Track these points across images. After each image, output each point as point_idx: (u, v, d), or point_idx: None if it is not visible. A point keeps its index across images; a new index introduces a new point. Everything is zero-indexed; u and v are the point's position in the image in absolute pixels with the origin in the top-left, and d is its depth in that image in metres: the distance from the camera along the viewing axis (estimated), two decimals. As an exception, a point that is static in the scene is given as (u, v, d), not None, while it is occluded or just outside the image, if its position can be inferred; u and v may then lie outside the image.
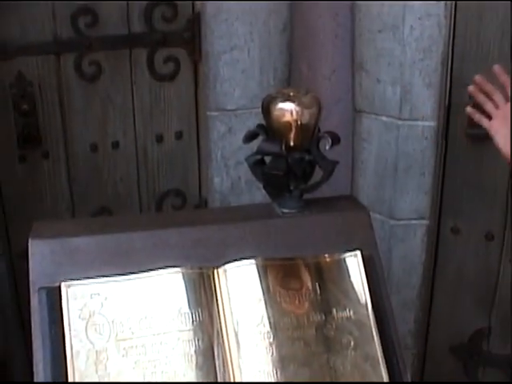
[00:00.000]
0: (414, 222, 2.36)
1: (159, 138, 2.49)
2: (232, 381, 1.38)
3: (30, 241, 1.47)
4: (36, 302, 1.42)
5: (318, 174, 1.60)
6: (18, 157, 2.35)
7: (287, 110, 1.52)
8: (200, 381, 1.37)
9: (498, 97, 1.71)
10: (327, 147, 1.55)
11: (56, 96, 2.34)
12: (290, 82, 2.44)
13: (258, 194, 2.33)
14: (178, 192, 2.56)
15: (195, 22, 2.39)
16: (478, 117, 1.74)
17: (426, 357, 2.64)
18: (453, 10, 2.16)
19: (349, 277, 1.51)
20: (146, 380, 1.36)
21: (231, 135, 2.40)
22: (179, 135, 2.51)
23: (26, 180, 2.38)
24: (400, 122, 2.26)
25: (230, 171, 2.44)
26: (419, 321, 2.54)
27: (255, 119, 2.20)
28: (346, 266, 1.52)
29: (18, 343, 2.34)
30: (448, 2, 2.14)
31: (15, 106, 2.29)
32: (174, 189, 2.55)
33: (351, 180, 2.43)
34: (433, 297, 2.53)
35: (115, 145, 2.44)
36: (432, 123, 2.26)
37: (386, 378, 1.45)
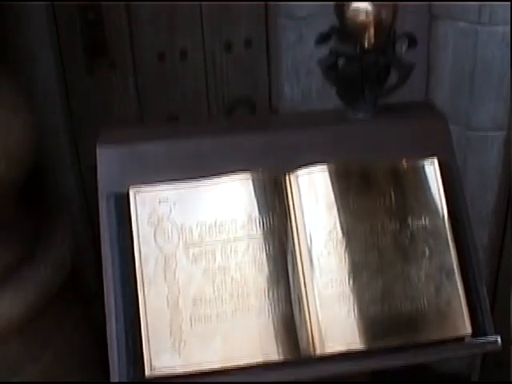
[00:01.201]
0: (491, 133, 2.27)
1: (228, 46, 2.42)
2: (304, 289, 1.35)
3: (97, 147, 1.45)
4: (104, 208, 1.41)
5: (393, 78, 1.53)
6: (85, 68, 2.33)
7: (361, 9, 1.44)
8: (270, 288, 1.34)
9: None
10: (404, 49, 1.47)
11: (122, 5, 2.29)
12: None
13: (330, 104, 2.24)
14: (247, 101, 2.51)
15: None
16: None
17: (499, 275, 2.58)
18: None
19: (425, 184, 1.45)
20: (216, 287, 1.34)
21: (302, 43, 2.31)
22: (249, 43, 2.44)
23: (93, 91, 2.36)
24: (479, 27, 2.15)
25: (300, 80, 2.36)
26: (493, 237, 2.47)
27: (327, 28, 2.12)
28: (423, 173, 1.46)
29: (89, 253, 2.36)
30: None
31: (81, 16, 2.25)
32: (243, 98, 2.50)
33: (426, 88, 2.34)
34: (508, 212, 2.45)
35: (183, 53, 2.39)
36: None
37: (461, 290, 1.41)
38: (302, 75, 2.37)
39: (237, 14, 2.39)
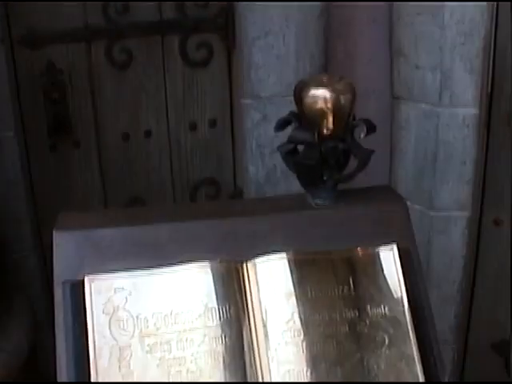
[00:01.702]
0: (454, 213, 2.28)
1: (193, 126, 2.44)
2: (260, 381, 1.32)
3: (54, 232, 1.43)
4: (60, 296, 1.38)
5: (353, 163, 1.53)
6: (49, 146, 2.33)
7: (320, 96, 1.45)
8: (227, 379, 1.31)
9: None
10: (362, 136, 1.48)
11: (87, 84, 2.30)
12: (327, 69, 2.37)
13: (295, 184, 2.24)
14: (212, 181, 2.51)
15: (228, 8, 2.33)
16: None
17: (467, 353, 2.56)
18: (496, -7, 2.08)
19: (384, 271, 1.44)
20: (171, 379, 1.31)
21: (266, 123, 2.33)
22: (213, 123, 2.46)
23: (56, 169, 2.35)
24: (440, 110, 2.18)
25: (265, 160, 2.38)
26: (460, 316, 2.46)
27: (291, 106, 2.13)
28: (381, 260, 1.44)
29: (47, 337, 2.31)
30: (491, -16, 2.06)
31: (45, 95, 2.26)
32: (208, 178, 2.50)
33: (390, 169, 2.36)
34: (474, 291, 2.45)
35: (148, 133, 2.40)
36: (473, 111, 2.17)
37: (421, 378, 1.38)
38: (266, 155, 2.38)
39: (201, 93, 2.41)
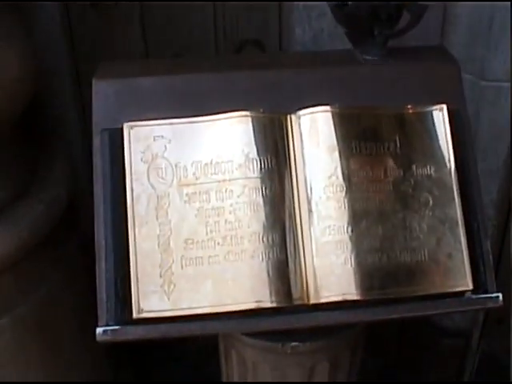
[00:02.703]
0: (506, 84, 2.19)
1: (236, -14, 2.34)
2: (300, 235, 1.30)
3: (93, 81, 1.40)
4: (98, 144, 1.36)
5: (405, 20, 1.46)
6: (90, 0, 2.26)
7: None
8: (265, 232, 1.29)
9: None
10: (417, -11, 1.41)
11: None
12: None
13: (341, 47, 2.19)
14: (257, 42, 2.43)
15: None
16: None
17: (507, 229, 2.52)
18: None
19: (432, 132, 1.39)
20: (209, 229, 1.29)
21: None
22: (258, -17, 2.36)
23: (97, 25, 2.29)
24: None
25: (312, 22, 2.29)
26: (503, 191, 2.41)
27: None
28: (430, 120, 1.39)
29: (87, 191, 2.31)
30: None
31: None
32: (252, 39, 2.42)
33: (441, 35, 2.26)
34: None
35: (191, -11, 2.31)
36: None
37: (464, 243, 1.35)
38: (313, 17, 2.29)
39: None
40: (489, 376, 2.53)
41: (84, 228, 2.24)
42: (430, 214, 1.34)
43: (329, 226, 1.30)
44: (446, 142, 1.38)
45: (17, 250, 1.72)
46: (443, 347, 2.53)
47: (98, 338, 1.27)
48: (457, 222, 1.35)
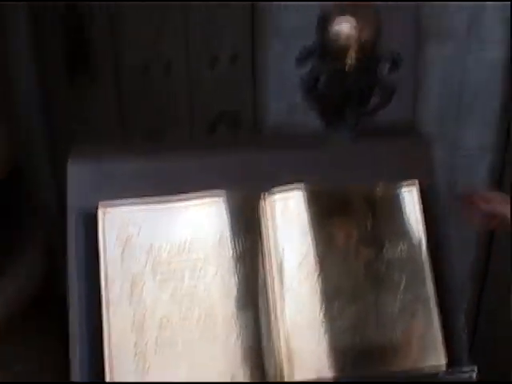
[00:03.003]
0: (478, 154, 2.24)
1: (214, 60, 2.38)
2: (273, 315, 1.31)
3: (68, 164, 1.41)
4: (73, 227, 1.37)
5: (376, 99, 1.49)
6: (66, 78, 2.29)
7: (345, 26, 1.40)
8: (239, 313, 1.29)
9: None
10: (387, 69, 1.43)
11: (106, 16, 2.25)
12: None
13: (316, 119, 2.23)
14: (231, 116, 2.47)
15: None
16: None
17: (481, 298, 2.54)
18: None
19: (404, 210, 1.41)
20: (183, 310, 1.29)
21: (288, 58, 2.27)
22: (234, 57, 2.40)
23: (74, 102, 2.32)
24: (467, 49, 2.12)
25: (286, 96, 2.33)
26: (479, 259, 2.43)
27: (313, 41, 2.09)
28: (402, 199, 1.41)
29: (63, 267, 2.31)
30: None
31: (64, 26, 2.21)
32: (227, 113, 2.46)
33: (413, 109, 2.31)
34: (493, 236, 2.42)
35: (167, 66, 2.35)
36: (502, 49, 2.11)
37: (437, 321, 1.36)
38: (287, 90, 2.33)
39: (222, 26, 2.35)
40: None
41: (60, 302, 2.25)
42: (403, 293, 1.35)
43: (302, 307, 1.30)
44: (418, 220, 1.40)
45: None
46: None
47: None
48: (430, 301, 1.36)
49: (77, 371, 1.29)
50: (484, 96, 2.16)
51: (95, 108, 2.33)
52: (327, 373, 1.29)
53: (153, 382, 1.28)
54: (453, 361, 1.36)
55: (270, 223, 1.35)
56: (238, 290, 1.30)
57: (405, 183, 1.42)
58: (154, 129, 2.38)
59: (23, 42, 2.13)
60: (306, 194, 1.36)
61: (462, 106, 2.19)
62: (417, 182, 1.42)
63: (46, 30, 2.22)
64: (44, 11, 2.19)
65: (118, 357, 1.27)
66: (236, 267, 1.31)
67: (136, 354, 1.27)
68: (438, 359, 1.35)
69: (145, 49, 2.31)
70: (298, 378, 1.29)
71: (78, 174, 1.40)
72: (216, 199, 1.34)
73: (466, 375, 1.37)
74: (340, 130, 1.50)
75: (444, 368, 1.35)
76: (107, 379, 1.26)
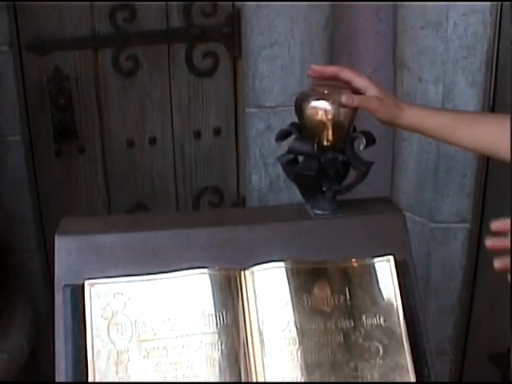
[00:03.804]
0: (455, 225, 2.30)
1: (197, 134, 2.46)
2: (255, 387, 1.35)
3: (56, 236, 1.45)
4: (60, 300, 1.40)
5: (352, 173, 1.55)
6: (54, 151, 2.35)
7: (321, 108, 1.46)
8: (222, 386, 1.33)
9: None
10: (361, 148, 1.50)
11: (93, 91, 2.33)
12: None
13: (297, 193, 2.27)
14: (215, 189, 2.53)
15: (235, 17, 2.35)
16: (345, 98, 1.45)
17: (465, 364, 2.57)
18: (499, 7, 2.09)
19: (380, 282, 1.46)
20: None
21: (270, 132, 2.35)
22: (217, 131, 2.48)
23: (61, 175, 2.38)
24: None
25: (268, 169, 2.40)
26: (458, 327, 2.47)
27: (295, 117, 2.15)
28: (378, 271, 1.46)
29: (48, 338, 2.33)
30: (494, -1, 2.08)
31: (52, 101, 2.28)
32: (211, 186, 2.52)
33: (391, 181, 2.38)
34: (473, 302, 2.46)
35: (152, 140, 2.42)
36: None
37: (415, 388, 1.40)
38: (269, 164, 2.40)
39: (206, 102, 2.43)
40: None
41: (46, 374, 2.26)
42: (381, 362, 1.39)
43: (283, 379, 1.34)
44: (394, 291, 1.45)
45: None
46: None
47: None
48: (407, 369, 1.40)
49: None
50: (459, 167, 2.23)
51: (82, 180, 2.38)
52: None
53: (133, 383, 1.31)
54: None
55: (251, 297, 1.39)
56: (220, 364, 1.33)
57: (381, 257, 1.46)
58: (138, 202, 2.44)
59: (14, 113, 2.18)
60: (286, 268, 1.41)
61: (439, 177, 2.25)
62: (393, 255, 1.47)
63: (35, 106, 2.28)
64: (34, 88, 2.26)
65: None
66: (218, 342, 1.35)
67: (123, 427, 1.30)
68: (415, 428, 1.38)
69: (131, 123, 2.37)
70: None
71: (65, 246, 1.43)
72: (200, 274, 1.39)
73: None
74: (319, 204, 1.55)
75: None
76: None
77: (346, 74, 1.50)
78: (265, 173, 2.41)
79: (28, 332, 1.97)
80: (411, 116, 1.49)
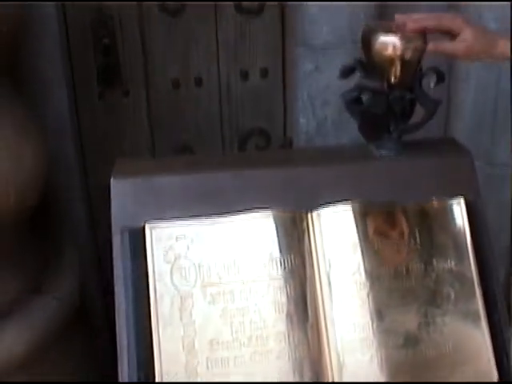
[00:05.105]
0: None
1: (244, 75, 2.39)
2: (325, 333, 1.30)
3: (112, 180, 1.39)
4: (118, 244, 1.36)
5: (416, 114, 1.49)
6: (98, 94, 2.29)
7: (390, 43, 1.39)
8: (291, 331, 1.28)
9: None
10: (432, 85, 1.43)
11: (137, 31, 2.26)
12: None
13: (345, 136, 2.22)
14: (261, 131, 2.46)
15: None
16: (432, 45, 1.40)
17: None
18: None
19: (451, 225, 1.40)
20: (234, 329, 1.28)
21: (318, 73, 2.27)
22: (264, 72, 2.41)
23: (105, 118, 2.32)
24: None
25: (316, 111, 2.32)
26: (504, 277, 2.41)
27: (344, 57, 2.08)
28: (449, 214, 1.40)
29: (96, 287, 2.31)
30: None
31: (95, 42, 2.22)
32: (257, 128, 2.46)
33: (445, 122, 2.30)
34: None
35: (198, 82, 2.35)
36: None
37: (487, 335, 1.35)
38: (317, 106, 2.32)
39: (253, 42, 2.36)
40: None
41: (92, 321, 2.25)
42: (452, 308, 1.35)
43: (353, 324, 1.30)
44: (465, 235, 1.39)
45: (30, 348, 1.70)
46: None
47: None
48: (479, 315, 1.35)
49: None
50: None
51: (126, 123, 2.33)
52: (378, 389, 1.28)
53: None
54: (501, 375, 1.35)
55: (318, 240, 1.34)
56: (288, 309, 1.29)
57: (452, 199, 1.40)
58: (184, 144, 2.38)
59: (57, 58, 2.12)
60: (353, 210, 1.36)
61: (497, 118, 2.17)
62: (463, 197, 1.41)
63: (79, 47, 2.22)
64: (77, 29, 2.20)
65: (169, 378, 1.26)
66: (286, 286, 1.30)
67: (187, 375, 1.26)
68: (489, 374, 1.33)
69: (176, 64, 2.31)
70: (350, 396, 1.28)
71: (122, 189, 1.39)
72: (264, 216, 1.34)
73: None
74: (384, 145, 1.49)
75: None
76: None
77: (446, 23, 1.41)
78: (312, 115, 2.33)
79: (77, 280, 1.94)
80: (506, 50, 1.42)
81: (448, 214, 1.40)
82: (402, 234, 1.37)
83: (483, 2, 2.09)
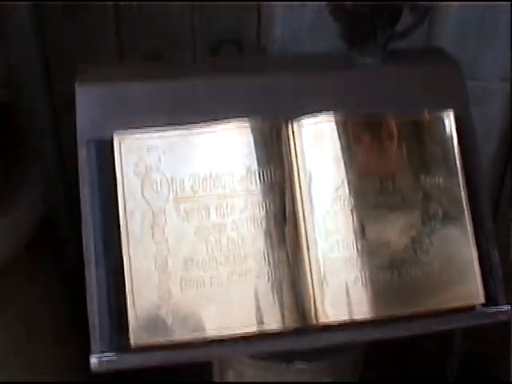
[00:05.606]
0: (496, 83, 2.14)
1: (215, -19, 2.25)
2: (306, 251, 1.22)
3: (76, 86, 1.28)
4: (84, 156, 1.25)
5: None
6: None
7: None
8: (270, 250, 1.21)
9: None
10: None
11: None
12: None
13: (322, 45, 2.11)
14: (234, 38, 2.34)
15: None
16: None
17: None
18: None
19: (439, 139, 1.32)
20: (209, 247, 1.20)
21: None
22: (236, -23, 2.27)
23: (69, 21, 2.19)
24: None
25: (292, 17, 2.21)
26: (491, 190, 2.36)
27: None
28: (437, 127, 1.32)
29: (62, 200, 2.21)
30: None
31: None
32: (230, 34, 2.34)
33: (427, 31, 2.19)
34: (506, 167, 2.34)
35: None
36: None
37: (475, 256, 1.29)
38: (293, 11, 2.21)
39: None
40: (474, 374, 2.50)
41: (57, 234, 2.17)
42: (440, 226, 1.27)
43: (337, 241, 1.22)
44: (454, 149, 1.31)
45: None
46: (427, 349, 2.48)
47: (93, 368, 1.17)
48: (467, 235, 1.29)
49: (95, 316, 1.20)
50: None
51: (91, 29, 2.20)
52: (364, 312, 1.22)
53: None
54: (489, 298, 1.30)
55: (299, 152, 1.25)
56: (268, 225, 1.21)
57: (442, 110, 1.32)
58: (154, 52, 2.26)
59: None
60: (337, 121, 1.26)
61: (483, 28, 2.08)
62: (452, 110, 1.32)
63: None
64: None
65: (141, 299, 1.18)
66: (265, 201, 1.22)
67: (160, 296, 1.19)
68: (475, 296, 1.28)
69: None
70: (333, 319, 1.21)
71: (87, 96, 1.28)
72: (241, 127, 1.24)
73: (502, 313, 1.31)
74: (368, 52, 1.39)
75: (481, 305, 1.29)
76: (130, 325, 1.18)
77: None
78: (288, 21, 2.22)
79: (40, 191, 1.84)
80: None
81: (436, 127, 1.32)
82: (388, 147, 1.28)
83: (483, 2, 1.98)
